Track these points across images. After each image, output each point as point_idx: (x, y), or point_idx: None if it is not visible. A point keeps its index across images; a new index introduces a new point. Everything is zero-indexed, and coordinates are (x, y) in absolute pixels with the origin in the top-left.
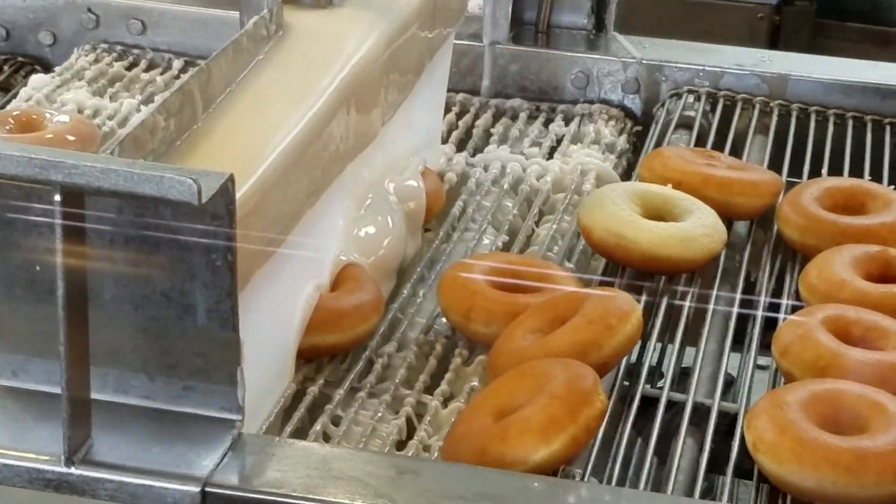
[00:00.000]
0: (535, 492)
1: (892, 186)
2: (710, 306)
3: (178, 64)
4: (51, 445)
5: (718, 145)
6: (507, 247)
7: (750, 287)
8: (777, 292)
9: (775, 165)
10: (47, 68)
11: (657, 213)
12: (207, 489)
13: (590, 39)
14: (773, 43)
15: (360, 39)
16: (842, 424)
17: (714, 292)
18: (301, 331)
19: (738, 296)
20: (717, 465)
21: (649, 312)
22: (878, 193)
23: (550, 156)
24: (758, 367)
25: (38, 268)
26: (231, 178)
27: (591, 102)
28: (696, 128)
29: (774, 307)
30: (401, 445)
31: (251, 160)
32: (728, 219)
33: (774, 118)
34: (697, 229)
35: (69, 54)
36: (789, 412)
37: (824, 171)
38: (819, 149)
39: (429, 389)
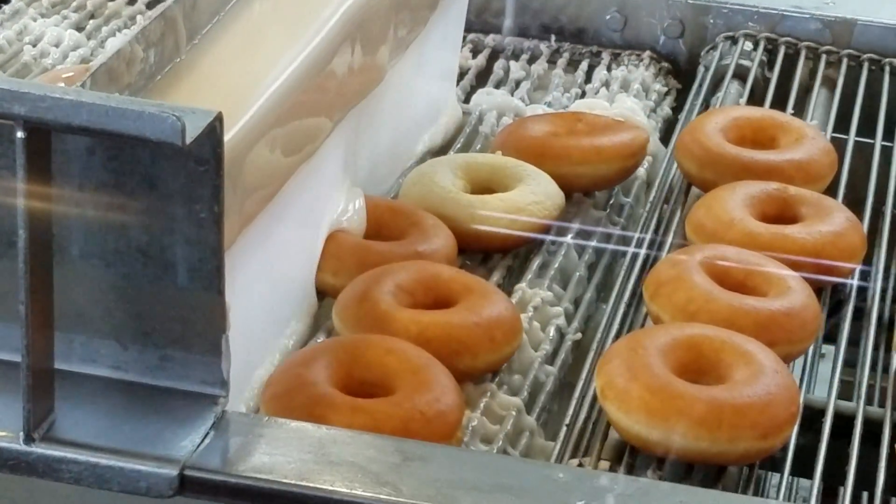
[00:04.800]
0: (559, 483)
1: (814, 120)
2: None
3: None
4: (7, 420)
5: (773, 100)
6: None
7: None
8: (664, 234)
9: (840, 124)
10: None
11: (486, 184)
12: (186, 473)
13: None
14: None
15: None
16: (704, 374)
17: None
18: (301, 295)
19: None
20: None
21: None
22: (792, 127)
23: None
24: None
25: None
26: (219, 118)
27: (628, 47)
28: (748, 79)
29: (653, 248)
30: None
31: (241, 99)
32: (577, 192)
33: (833, 68)
34: (525, 198)
35: None
36: (645, 357)
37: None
38: (889, 107)
39: None
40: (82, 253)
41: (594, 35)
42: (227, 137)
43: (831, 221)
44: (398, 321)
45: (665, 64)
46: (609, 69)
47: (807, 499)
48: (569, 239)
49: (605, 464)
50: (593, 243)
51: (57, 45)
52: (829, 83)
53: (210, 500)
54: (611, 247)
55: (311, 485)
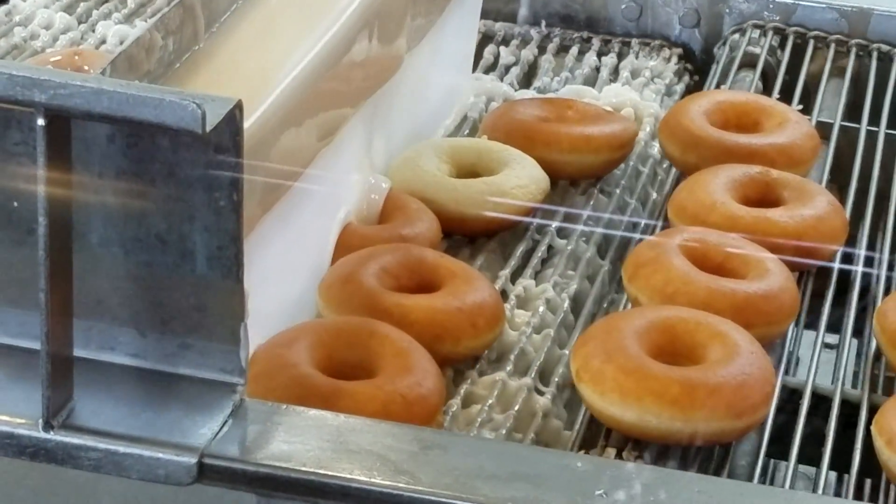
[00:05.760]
0: (578, 472)
1: (800, 106)
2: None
3: None
4: (27, 407)
5: (787, 90)
6: None
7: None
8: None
9: (852, 114)
10: None
11: (471, 168)
12: (205, 461)
13: None
14: None
15: None
16: (680, 356)
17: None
18: (318, 282)
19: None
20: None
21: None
22: (775, 111)
23: None
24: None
25: (15, 204)
26: (239, 105)
27: (644, 36)
28: (759, 67)
29: (636, 230)
30: None
31: (260, 87)
32: (569, 179)
33: (852, 60)
34: (509, 182)
35: None
36: (620, 339)
37: None
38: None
39: None
40: (101, 240)
41: (609, 24)
42: (246, 125)
43: (813, 205)
44: (381, 304)
45: (684, 59)
46: (600, 55)
47: (824, 488)
48: (554, 223)
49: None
50: (580, 227)
51: (47, 28)
52: (846, 73)
53: (229, 488)
54: (597, 230)
55: (330, 473)
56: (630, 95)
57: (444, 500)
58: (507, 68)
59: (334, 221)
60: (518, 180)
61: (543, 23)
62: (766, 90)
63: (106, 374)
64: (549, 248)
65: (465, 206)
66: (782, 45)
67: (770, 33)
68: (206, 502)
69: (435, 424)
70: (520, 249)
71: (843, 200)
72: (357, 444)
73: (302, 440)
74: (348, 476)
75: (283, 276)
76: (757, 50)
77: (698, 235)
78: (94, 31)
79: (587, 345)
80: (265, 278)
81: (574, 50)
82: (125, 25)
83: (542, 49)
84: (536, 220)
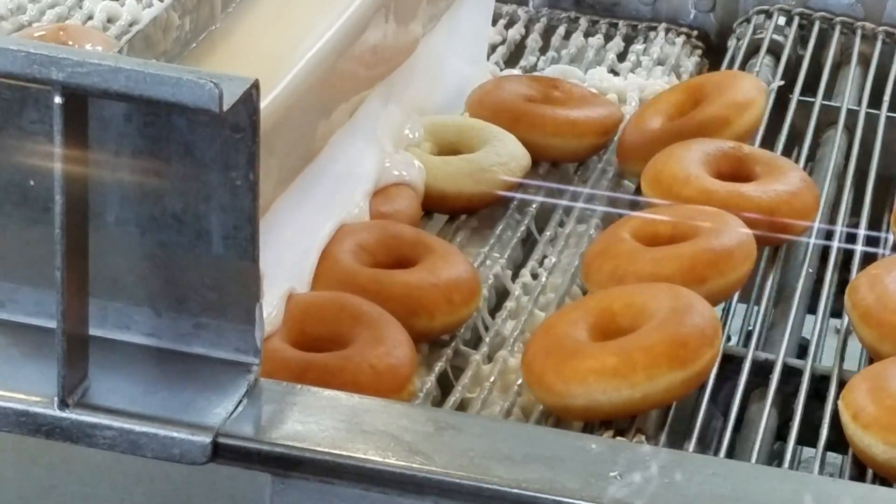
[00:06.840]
0: (593, 454)
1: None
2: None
3: None
4: (42, 386)
5: (804, 75)
6: None
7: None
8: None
9: (871, 100)
10: None
11: (452, 146)
12: (220, 440)
13: None
14: None
15: None
16: (623, 331)
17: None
18: None
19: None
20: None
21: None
22: (714, 81)
23: None
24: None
25: (32, 182)
26: (256, 85)
27: (658, 20)
28: (779, 54)
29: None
30: None
31: (276, 68)
32: (551, 162)
33: (870, 45)
34: (490, 159)
35: None
36: (559, 330)
37: None
38: None
39: None
40: (117, 219)
41: (625, 8)
42: (262, 105)
43: (786, 181)
44: (357, 280)
45: (699, 43)
46: (587, 37)
47: (833, 473)
48: (536, 198)
49: None
50: (564, 202)
51: (34, 2)
52: (862, 58)
53: (243, 468)
54: (579, 204)
55: (344, 453)
56: (614, 81)
57: (458, 480)
58: (494, 48)
59: (350, 201)
60: (499, 157)
61: (533, 3)
62: (782, 74)
63: (121, 353)
64: (528, 231)
65: (444, 183)
66: (798, 30)
67: (786, 18)
68: (220, 482)
69: (406, 394)
70: (500, 227)
71: (862, 185)
72: (371, 424)
73: (316, 420)
74: (363, 456)
75: (298, 255)
76: (773, 35)
77: (646, 217)
78: (81, 6)
79: (530, 350)
80: (280, 257)
81: (561, 30)
82: (112, 2)
83: (529, 29)
84: (518, 196)
